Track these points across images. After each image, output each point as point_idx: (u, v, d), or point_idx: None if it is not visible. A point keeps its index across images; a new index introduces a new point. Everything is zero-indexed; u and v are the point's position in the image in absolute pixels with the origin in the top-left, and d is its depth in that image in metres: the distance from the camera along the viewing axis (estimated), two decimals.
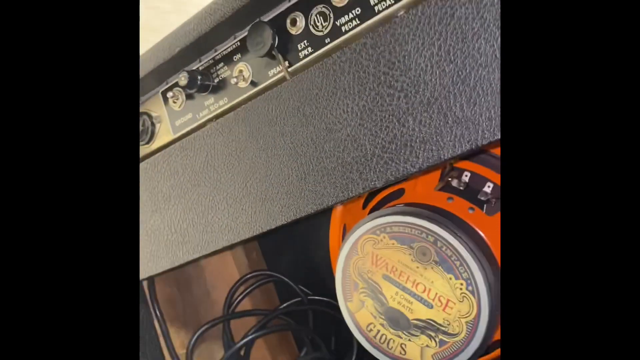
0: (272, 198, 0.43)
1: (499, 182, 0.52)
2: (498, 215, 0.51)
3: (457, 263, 0.47)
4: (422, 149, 0.36)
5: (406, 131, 0.36)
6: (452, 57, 0.34)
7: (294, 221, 0.43)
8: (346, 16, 0.41)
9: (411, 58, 0.35)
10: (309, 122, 0.40)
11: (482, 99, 0.33)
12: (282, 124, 0.42)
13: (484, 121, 0.33)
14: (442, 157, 0.36)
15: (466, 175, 0.54)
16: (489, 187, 0.53)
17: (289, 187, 0.42)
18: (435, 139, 0.35)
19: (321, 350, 0.64)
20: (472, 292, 0.47)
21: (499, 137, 0.33)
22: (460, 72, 0.33)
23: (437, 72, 0.34)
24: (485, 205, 0.52)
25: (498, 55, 0.32)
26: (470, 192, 0.53)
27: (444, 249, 0.47)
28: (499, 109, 0.32)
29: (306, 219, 0.43)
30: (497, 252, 0.49)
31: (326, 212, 0.65)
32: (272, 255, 0.74)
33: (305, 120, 0.40)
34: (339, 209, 0.64)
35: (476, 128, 0.33)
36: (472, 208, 0.51)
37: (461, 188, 0.53)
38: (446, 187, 0.53)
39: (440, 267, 0.48)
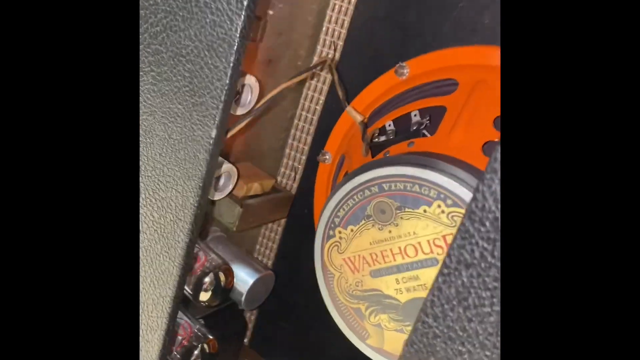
0: None
1: (419, 107, 0.43)
2: (441, 129, 0.41)
3: (416, 188, 0.36)
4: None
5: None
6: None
7: None
8: None
9: None
10: None
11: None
12: None
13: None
14: None
15: (389, 125, 0.45)
16: (415, 115, 0.44)
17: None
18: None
19: None
20: (455, 204, 0.35)
21: None
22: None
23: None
24: (422, 131, 0.43)
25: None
26: (403, 133, 0.44)
27: (392, 187, 0.37)
28: None
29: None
30: (459, 155, 0.38)
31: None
32: None
33: None
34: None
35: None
36: (411, 142, 0.42)
37: (392, 137, 0.44)
38: (377, 147, 0.44)
39: (406, 208, 0.36)
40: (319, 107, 0.53)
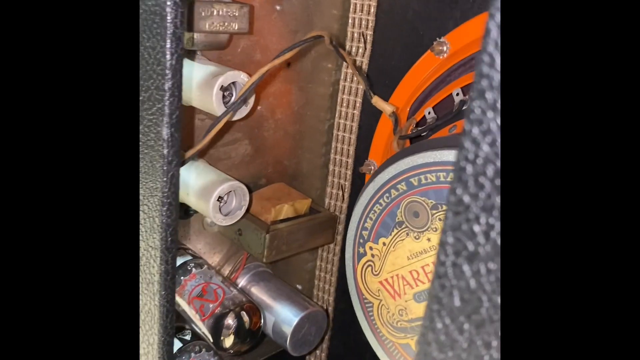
0: None
1: (462, 85, 0.35)
2: None
3: (451, 177, 0.27)
4: None
5: None
6: None
7: None
8: None
9: None
10: None
11: None
12: None
13: None
14: None
15: (429, 113, 0.36)
16: (457, 94, 0.35)
17: None
18: None
19: None
20: None
21: None
22: None
23: None
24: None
25: None
26: (446, 116, 0.35)
27: (422, 181, 0.28)
28: None
29: None
30: None
31: None
32: None
33: None
34: None
35: None
36: (453, 127, 0.33)
37: (430, 123, 0.35)
38: (416, 140, 0.36)
39: (443, 206, 0.28)
40: (357, 112, 0.45)
